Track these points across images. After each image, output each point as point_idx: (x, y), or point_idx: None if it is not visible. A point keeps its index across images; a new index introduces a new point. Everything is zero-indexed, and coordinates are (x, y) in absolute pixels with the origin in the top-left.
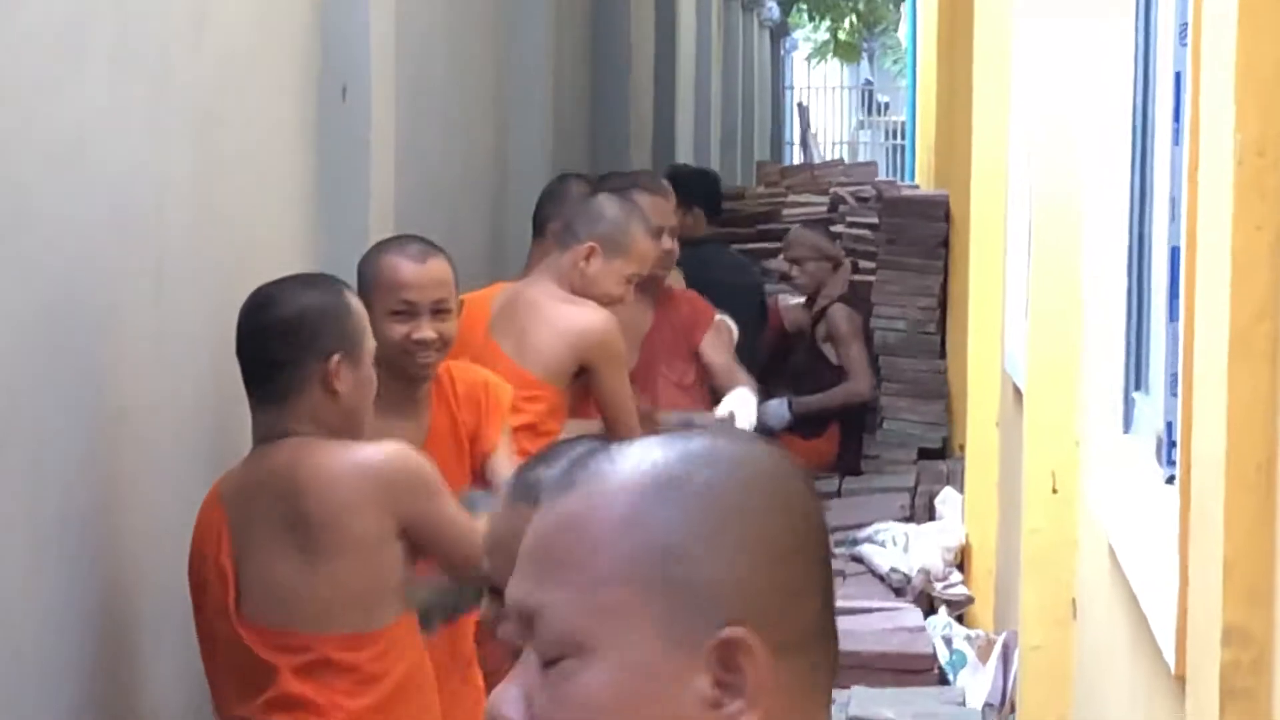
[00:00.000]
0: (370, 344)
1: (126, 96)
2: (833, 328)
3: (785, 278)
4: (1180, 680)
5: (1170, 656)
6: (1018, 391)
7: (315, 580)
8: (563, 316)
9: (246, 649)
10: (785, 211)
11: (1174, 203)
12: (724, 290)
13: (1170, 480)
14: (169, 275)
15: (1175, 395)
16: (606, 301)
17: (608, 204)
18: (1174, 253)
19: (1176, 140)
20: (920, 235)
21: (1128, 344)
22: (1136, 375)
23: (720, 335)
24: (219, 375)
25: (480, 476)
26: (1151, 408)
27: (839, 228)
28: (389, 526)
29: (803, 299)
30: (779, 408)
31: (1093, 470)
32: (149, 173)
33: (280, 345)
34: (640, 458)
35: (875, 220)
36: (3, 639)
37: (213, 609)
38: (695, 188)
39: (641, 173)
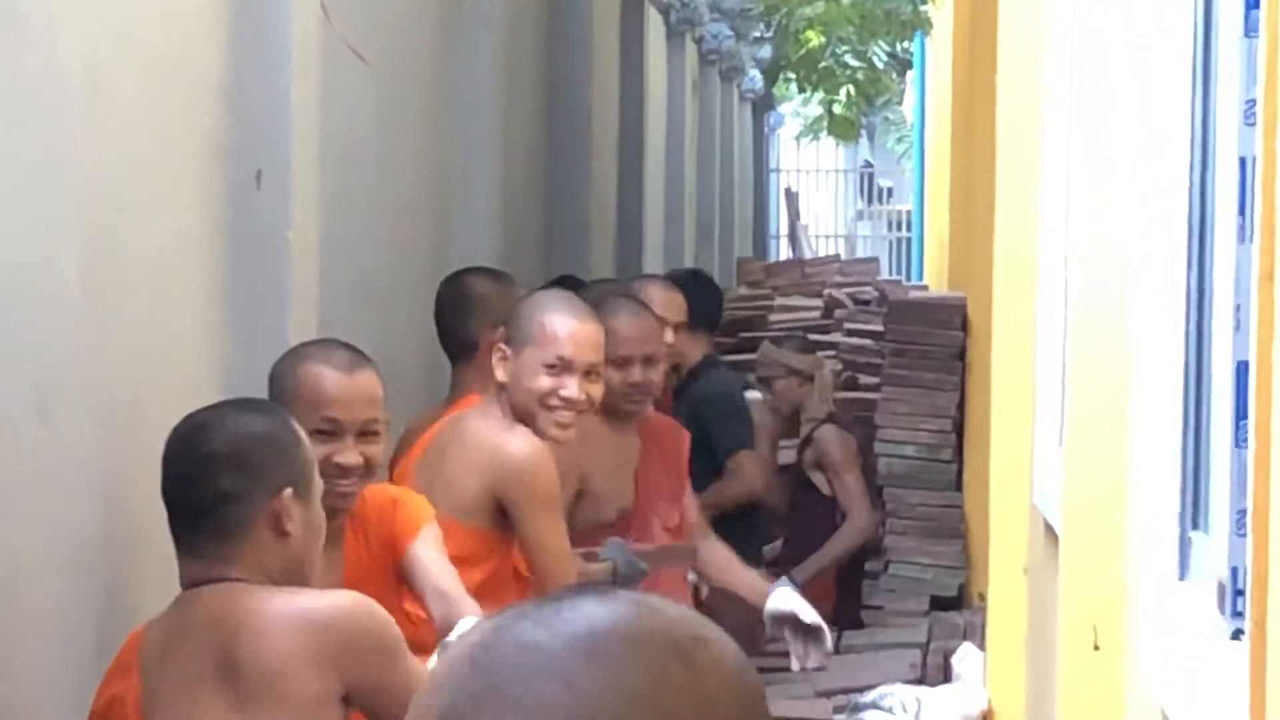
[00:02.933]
0: (318, 480)
1: (6, 181)
2: (822, 454)
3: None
4: None
5: None
6: (1050, 531)
7: None
8: (480, 444)
9: None
10: (772, 317)
11: (1239, 309)
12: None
13: (1237, 635)
14: (54, 394)
15: (1242, 535)
16: (533, 404)
17: (573, 304)
18: (1240, 368)
19: (1242, 237)
20: (933, 345)
21: (1184, 475)
22: (1194, 512)
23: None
24: (110, 515)
25: (401, 578)
26: (1213, 550)
27: (836, 336)
28: (332, 689)
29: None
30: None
31: (1142, 624)
32: (31, 271)
33: (222, 478)
34: (594, 651)
35: (879, 328)
36: None
37: None
38: (698, 301)
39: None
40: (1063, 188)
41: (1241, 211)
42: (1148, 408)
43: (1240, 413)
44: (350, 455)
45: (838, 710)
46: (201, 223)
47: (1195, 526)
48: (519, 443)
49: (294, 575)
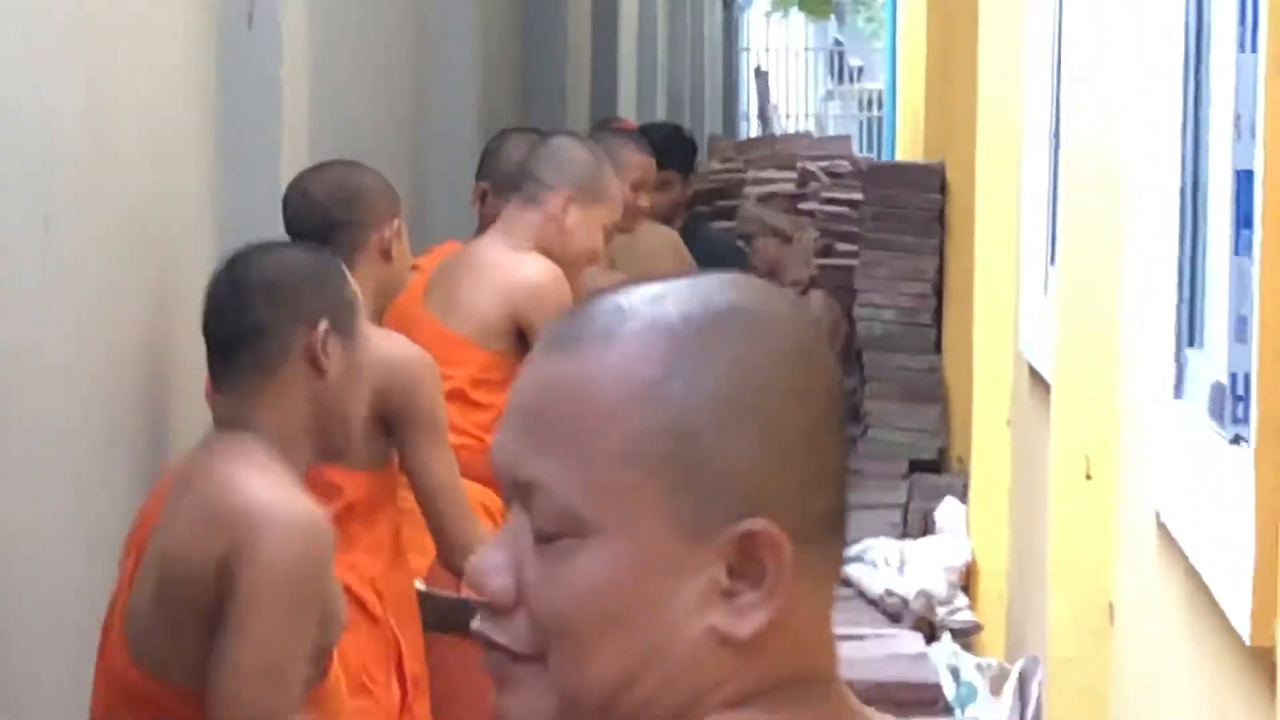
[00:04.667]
0: (363, 327)
1: (4, 10)
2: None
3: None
4: (1259, 652)
5: (1244, 628)
6: (1036, 378)
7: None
8: (499, 268)
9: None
10: (747, 190)
11: (1239, 119)
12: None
13: (1236, 440)
14: (57, 229)
15: (1244, 341)
16: (588, 259)
17: (573, 146)
18: (1240, 176)
19: (1243, 46)
20: (912, 209)
21: (1180, 292)
22: (1190, 330)
23: None
24: (109, 342)
25: None
26: (1209, 363)
27: (811, 205)
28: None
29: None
30: None
31: (1136, 445)
32: (33, 114)
33: (257, 308)
34: (658, 317)
35: (855, 196)
36: None
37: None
38: (670, 148)
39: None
40: (1050, 17)
41: (1242, 21)
42: (1141, 233)
43: (1241, 221)
44: None
45: None
46: (196, 58)
47: (1190, 344)
48: (541, 266)
49: (329, 422)
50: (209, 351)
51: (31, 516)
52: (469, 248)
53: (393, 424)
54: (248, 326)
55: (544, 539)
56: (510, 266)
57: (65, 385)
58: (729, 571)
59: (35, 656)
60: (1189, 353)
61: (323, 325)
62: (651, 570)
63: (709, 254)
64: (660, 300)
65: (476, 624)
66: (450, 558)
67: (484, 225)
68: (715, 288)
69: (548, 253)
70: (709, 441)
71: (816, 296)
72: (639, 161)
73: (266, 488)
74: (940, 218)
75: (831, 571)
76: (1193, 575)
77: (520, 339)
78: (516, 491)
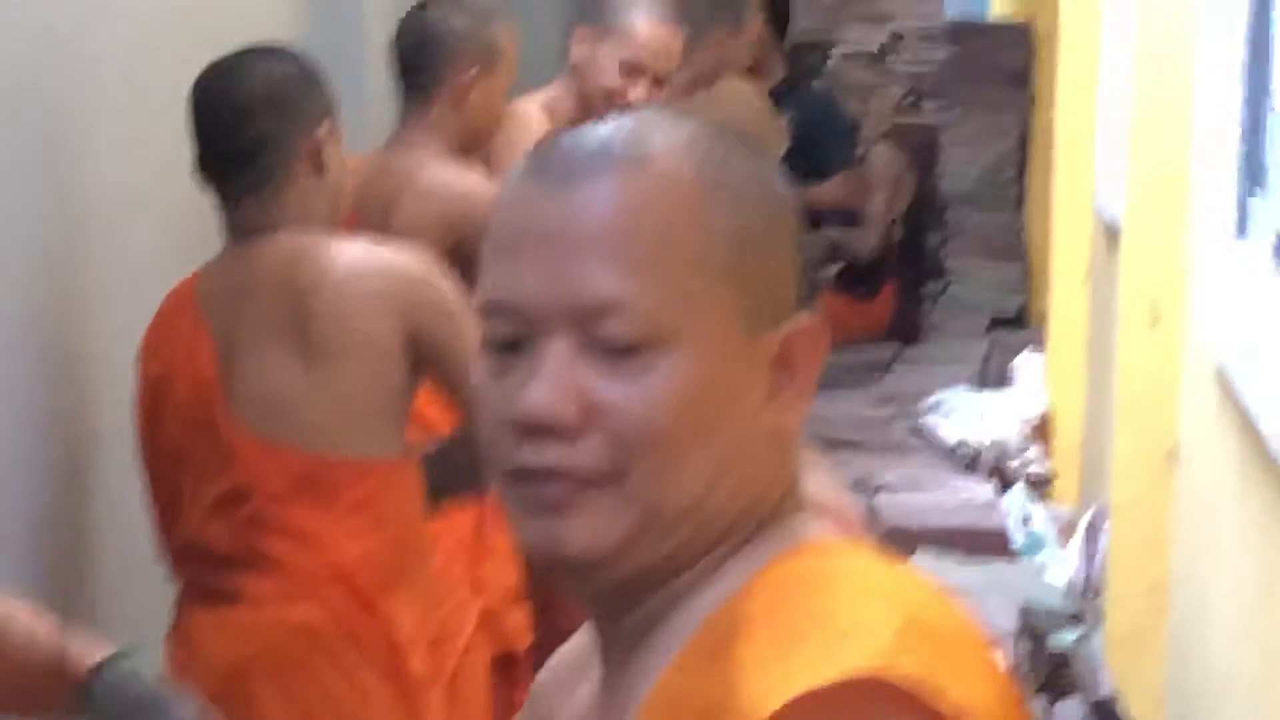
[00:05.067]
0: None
1: None
2: (871, 170)
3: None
4: None
5: None
6: (1110, 235)
7: (314, 390)
8: (435, 182)
9: (227, 463)
10: (836, 48)
11: None
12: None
13: None
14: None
15: None
16: (601, 97)
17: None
18: None
19: None
20: (997, 67)
21: (1244, 138)
22: (1252, 176)
23: None
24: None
25: None
26: (1271, 207)
27: (898, 63)
28: (397, 333)
29: None
30: None
31: (1202, 289)
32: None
33: (260, 121)
34: (674, 137)
35: (943, 54)
36: None
37: (180, 422)
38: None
39: None
40: None
41: None
42: (1208, 85)
43: None
44: None
45: (896, 417)
46: None
47: (1253, 192)
48: (480, 181)
49: (335, 207)
50: (206, 167)
51: None
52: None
53: (466, 256)
54: (253, 140)
55: (618, 354)
56: (446, 179)
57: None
58: (775, 370)
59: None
60: (1252, 200)
61: (325, 125)
62: (726, 373)
63: (808, 111)
64: (654, 126)
65: (532, 456)
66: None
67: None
68: (670, 118)
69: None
70: (761, 244)
71: (882, 150)
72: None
73: (347, 244)
74: (1025, 76)
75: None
76: (1249, 423)
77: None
78: (574, 317)
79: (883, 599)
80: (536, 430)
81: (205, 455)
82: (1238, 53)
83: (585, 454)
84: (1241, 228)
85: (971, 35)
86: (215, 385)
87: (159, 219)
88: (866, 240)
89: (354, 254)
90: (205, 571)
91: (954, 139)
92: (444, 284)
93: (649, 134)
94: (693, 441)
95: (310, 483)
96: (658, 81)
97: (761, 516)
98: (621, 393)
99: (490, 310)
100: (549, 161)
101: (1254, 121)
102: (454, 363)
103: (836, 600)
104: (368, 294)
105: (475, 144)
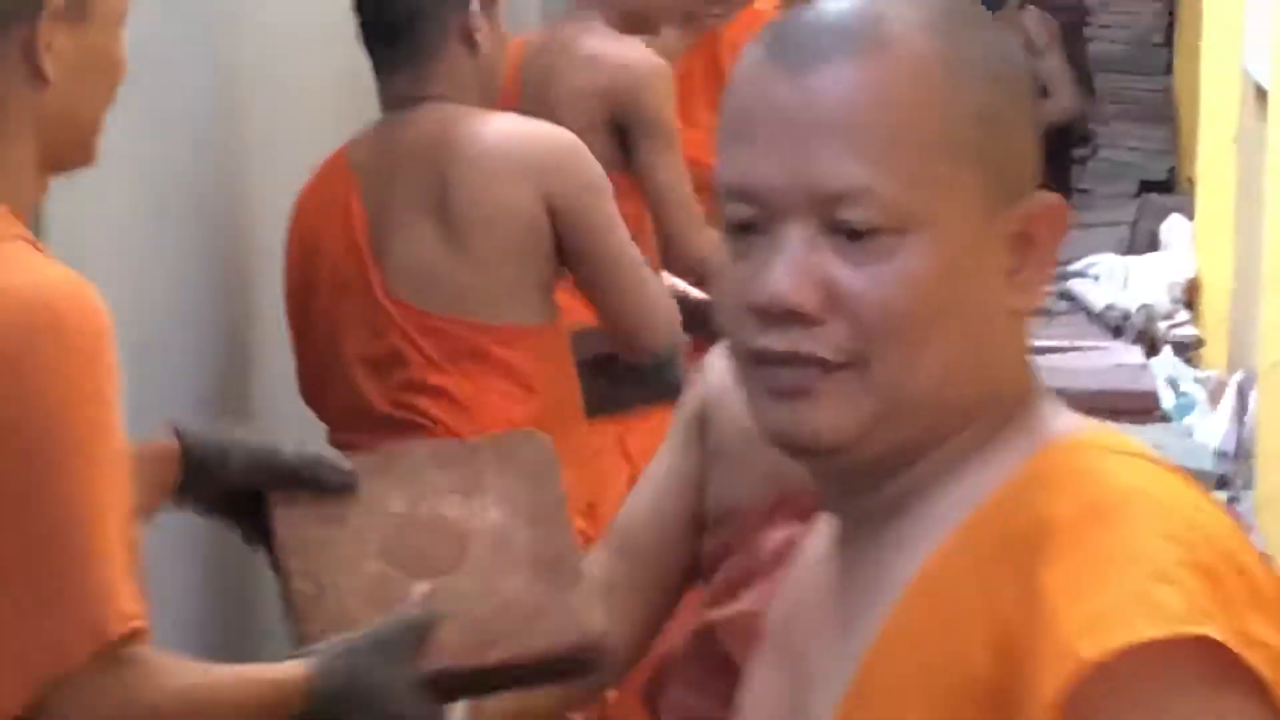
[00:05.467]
0: None
1: None
2: (1023, 35)
3: None
4: None
5: None
6: (1260, 97)
7: (458, 259)
8: (594, 57)
9: (388, 332)
10: None
11: None
12: None
13: None
14: None
15: None
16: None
17: None
18: None
19: None
20: None
21: None
22: None
23: None
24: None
25: None
26: None
27: None
28: (534, 203)
29: None
30: None
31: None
32: None
33: None
34: (911, 14)
35: None
36: None
37: (333, 287)
38: None
39: None
40: None
41: None
42: None
43: None
44: None
45: None
46: None
47: None
48: (641, 55)
49: (487, 89)
50: (366, 37)
51: None
52: (560, 33)
53: (624, 127)
54: (407, 11)
55: (860, 240)
56: (605, 54)
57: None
58: (1015, 249)
59: None
60: None
61: (474, 5)
62: (968, 257)
63: None
64: (891, 2)
65: (774, 340)
66: (674, 265)
67: None
68: None
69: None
70: (1002, 121)
71: (1032, 12)
72: None
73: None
74: None
75: None
76: None
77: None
78: (814, 203)
79: (1189, 534)
80: (778, 315)
81: (358, 320)
82: None
83: (827, 340)
84: None
85: None
86: (367, 251)
87: (312, 98)
88: (1065, 103)
89: (497, 126)
90: (364, 433)
91: (1102, 2)
92: (586, 158)
93: (887, 10)
94: (934, 328)
95: (461, 348)
96: None
97: (1007, 402)
98: (863, 279)
99: (729, 194)
100: (785, 42)
101: None
102: (592, 236)
103: (1142, 533)
104: (508, 165)
105: (643, 25)
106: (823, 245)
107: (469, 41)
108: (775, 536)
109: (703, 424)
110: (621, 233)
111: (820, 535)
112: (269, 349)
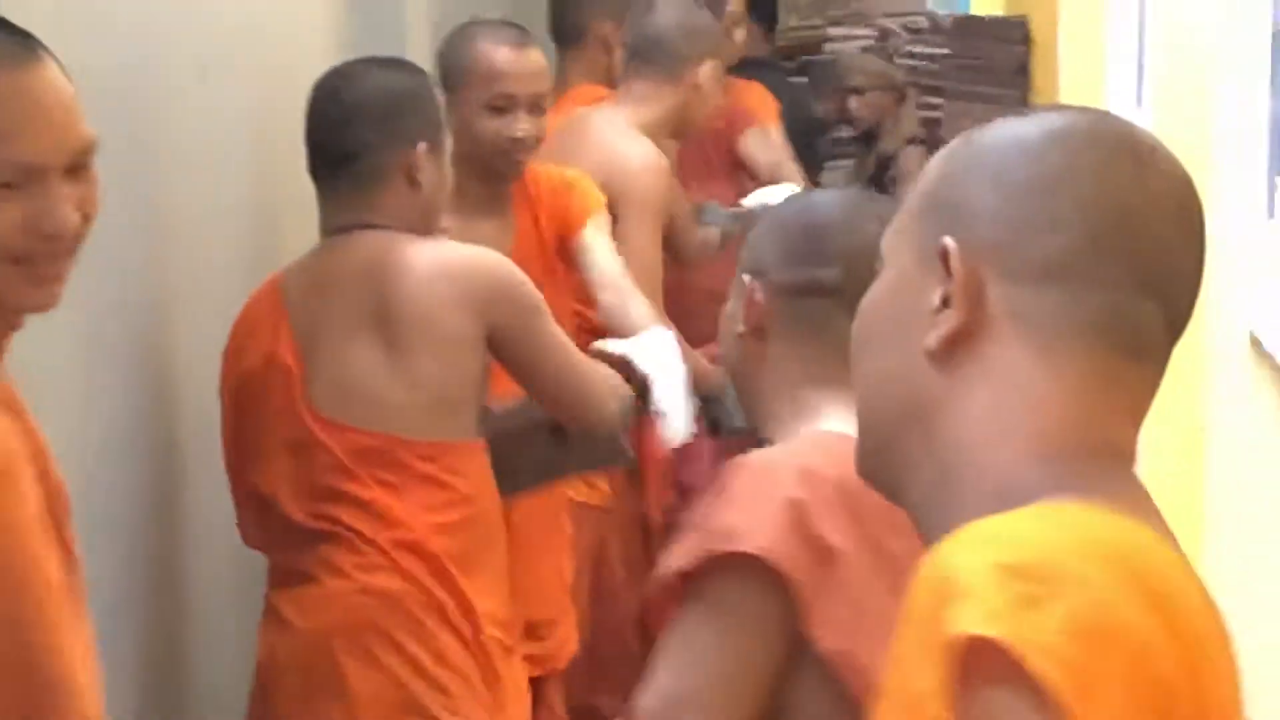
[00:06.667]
0: (449, 139)
1: None
2: (902, 172)
3: (840, 115)
4: None
5: None
6: None
7: (394, 378)
8: (603, 146)
9: (311, 448)
10: (828, 46)
11: None
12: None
13: None
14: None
15: None
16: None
17: (700, 12)
18: None
19: None
20: (996, 62)
21: (1273, 120)
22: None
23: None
24: (262, 164)
25: (569, 261)
26: None
27: (896, 60)
28: (475, 330)
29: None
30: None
31: (1232, 269)
32: None
33: (362, 128)
34: None
35: (936, 50)
36: None
37: (263, 413)
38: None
39: None
40: None
41: None
42: (1233, 59)
43: None
44: (523, 126)
45: None
46: None
47: None
48: (644, 149)
49: (424, 224)
50: (314, 163)
51: None
52: (585, 115)
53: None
54: (352, 144)
55: None
56: (618, 146)
57: (220, 202)
58: (942, 290)
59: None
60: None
61: (421, 146)
62: (902, 289)
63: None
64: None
65: None
66: None
67: (566, 74)
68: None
69: (685, 122)
70: (952, 183)
71: (914, 151)
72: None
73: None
74: (1024, 70)
75: (1055, 326)
76: None
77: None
78: None
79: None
80: None
81: (285, 441)
82: (1266, 28)
83: None
84: (1270, 209)
85: (969, 29)
86: (295, 373)
87: (235, 230)
88: None
89: (437, 252)
90: (291, 550)
91: (954, 134)
92: (523, 284)
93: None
94: (859, 351)
95: (382, 459)
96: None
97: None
98: None
99: None
100: None
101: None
102: (533, 354)
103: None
104: (450, 292)
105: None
106: None
107: (411, 180)
108: None
109: None
110: (556, 345)
111: None
112: (201, 480)
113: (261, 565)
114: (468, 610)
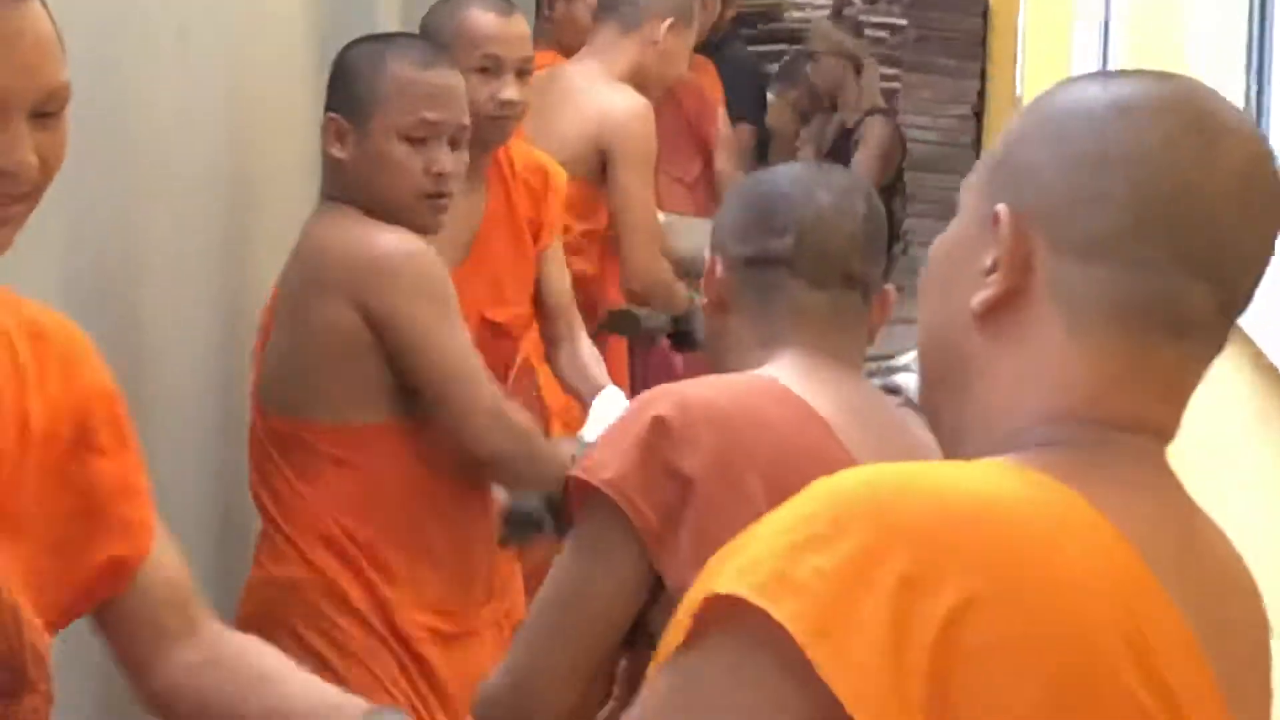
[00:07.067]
0: (398, 121)
1: None
2: (863, 138)
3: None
4: None
5: None
6: None
7: (292, 364)
8: (588, 97)
9: (254, 432)
10: (785, 14)
11: None
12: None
13: None
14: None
15: None
16: (674, 81)
17: None
18: None
19: None
20: (954, 32)
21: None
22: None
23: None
24: (235, 128)
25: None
26: None
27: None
28: (354, 315)
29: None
30: None
31: None
32: None
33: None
34: None
35: (893, 20)
36: None
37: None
38: None
39: None
40: None
41: None
42: (1201, 28)
43: None
44: (511, 90)
45: (870, 375)
46: None
47: None
48: (632, 99)
49: (360, 199)
50: None
51: None
52: (561, 70)
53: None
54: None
55: None
56: (602, 96)
57: (198, 163)
58: (992, 259)
59: None
60: None
61: (329, 117)
62: (960, 246)
63: (731, 75)
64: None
65: None
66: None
67: (560, 31)
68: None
69: (643, 77)
70: (1020, 144)
71: (876, 120)
72: None
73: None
74: (983, 42)
75: (1091, 302)
76: None
77: (603, 169)
78: None
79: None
80: None
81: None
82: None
83: None
84: None
85: (925, 2)
86: (259, 353)
87: (210, 191)
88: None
89: (324, 234)
90: None
91: (912, 104)
92: (402, 268)
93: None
94: (922, 295)
95: (293, 445)
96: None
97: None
98: None
99: None
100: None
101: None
102: (413, 345)
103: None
104: (320, 278)
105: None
106: None
107: (326, 149)
108: None
109: None
110: (442, 335)
111: None
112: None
113: (229, 549)
114: (378, 599)
